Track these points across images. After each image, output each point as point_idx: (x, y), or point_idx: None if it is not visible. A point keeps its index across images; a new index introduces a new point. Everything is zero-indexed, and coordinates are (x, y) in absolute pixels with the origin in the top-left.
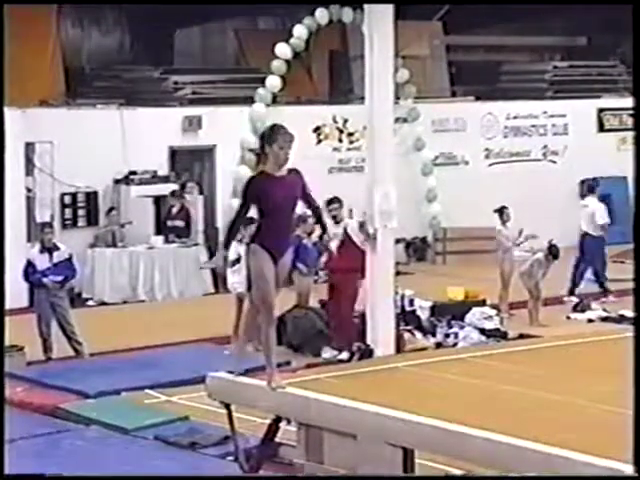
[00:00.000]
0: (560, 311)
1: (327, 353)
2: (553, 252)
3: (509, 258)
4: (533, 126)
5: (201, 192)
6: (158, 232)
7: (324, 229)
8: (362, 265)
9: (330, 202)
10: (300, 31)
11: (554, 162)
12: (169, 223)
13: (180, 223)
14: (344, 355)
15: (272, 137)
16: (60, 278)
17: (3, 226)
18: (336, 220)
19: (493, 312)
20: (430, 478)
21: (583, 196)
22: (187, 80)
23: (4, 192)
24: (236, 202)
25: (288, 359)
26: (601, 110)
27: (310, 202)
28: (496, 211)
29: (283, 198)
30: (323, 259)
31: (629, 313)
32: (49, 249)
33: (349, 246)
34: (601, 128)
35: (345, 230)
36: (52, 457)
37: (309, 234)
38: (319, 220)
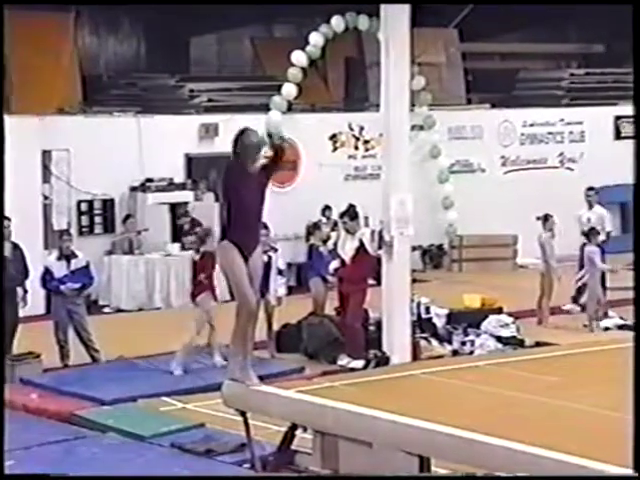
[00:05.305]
0: (577, 319)
1: (343, 361)
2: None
3: (551, 265)
4: (550, 133)
5: (217, 199)
6: (174, 239)
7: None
8: (376, 273)
9: (342, 215)
10: (316, 39)
11: (571, 169)
12: (184, 239)
13: (194, 238)
14: (357, 363)
15: (248, 154)
16: (77, 285)
17: (3, 228)
18: (350, 232)
19: (509, 320)
20: (430, 478)
21: None
22: (203, 88)
23: (4, 193)
24: None
25: (303, 366)
26: (618, 117)
27: None
28: (540, 218)
29: (251, 195)
30: (333, 265)
31: None
32: (67, 256)
33: (362, 255)
34: (618, 135)
35: (360, 240)
36: (68, 464)
37: (324, 241)
38: None
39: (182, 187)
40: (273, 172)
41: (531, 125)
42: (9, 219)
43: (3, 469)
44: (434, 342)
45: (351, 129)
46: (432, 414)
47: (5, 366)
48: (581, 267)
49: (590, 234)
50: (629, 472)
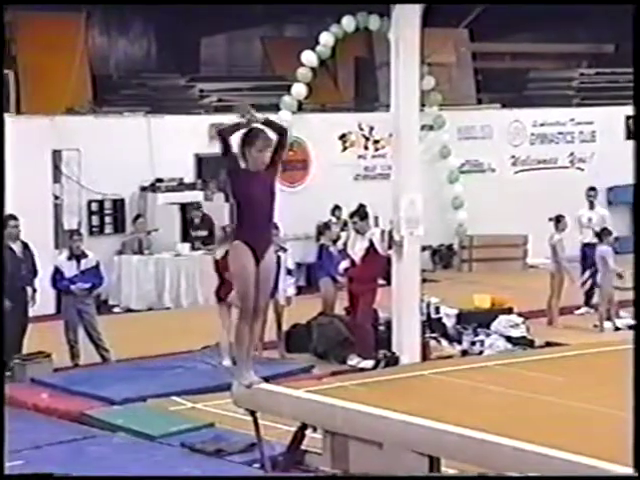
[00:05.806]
0: (587, 319)
1: (353, 361)
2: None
3: (565, 266)
4: (560, 133)
5: (227, 199)
6: (184, 239)
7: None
8: (386, 272)
9: (352, 215)
10: (326, 39)
11: (581, 169)
12: (193, 234)
13: (204, 233)
14: (367, 363)
15: (251, 140)
16: (87, 285)
17: (2, 227)
18: (360, 232)
19: (519, 320)
20: (440, 478)
21: None
22: (213, 88)
23: (4, 191)
24: None
25: (313, 366)
26: (629, 117)
27: None
28: (552, 219)
29: (259, 193)
30: (343, 265)
31: None
32: (77, 256)
33: (372, 255)
34: (628, 135)
35: (370, 240)
36: (78, 464)
37: (334, 241)
38: None
39: (192, 187)
40: (278, 160)
41: (541, 125)
42: (17, 219)
43: (3, 469)
44: (444, 342)
45: (361, 129)
46: (442, 414)
47: (5, 365)
48: (584, 268)
49: (602, 234)
50: (629, 472)
